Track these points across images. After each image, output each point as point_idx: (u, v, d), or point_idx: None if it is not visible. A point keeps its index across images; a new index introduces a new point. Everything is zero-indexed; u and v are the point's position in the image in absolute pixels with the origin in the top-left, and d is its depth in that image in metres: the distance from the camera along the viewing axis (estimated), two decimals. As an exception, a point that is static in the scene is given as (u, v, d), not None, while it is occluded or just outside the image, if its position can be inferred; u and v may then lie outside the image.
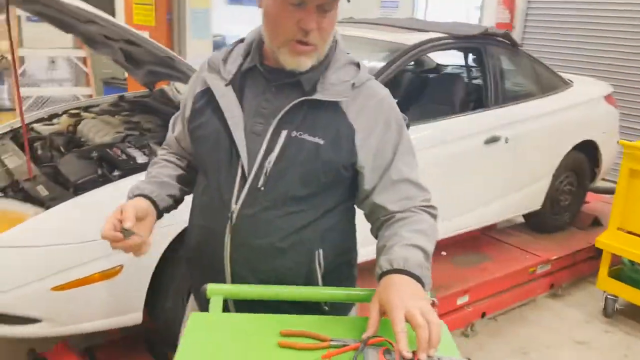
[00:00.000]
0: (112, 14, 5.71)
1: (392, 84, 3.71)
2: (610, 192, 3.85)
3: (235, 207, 1.15)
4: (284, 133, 1.14)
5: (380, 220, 1.21)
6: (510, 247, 3.67)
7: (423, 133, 2.81)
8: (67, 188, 2.12)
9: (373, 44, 3.04)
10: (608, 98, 3.95)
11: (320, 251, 1.20)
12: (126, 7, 5.31)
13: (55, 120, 3.10)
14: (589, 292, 3.53)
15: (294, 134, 1.13)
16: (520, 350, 2.93)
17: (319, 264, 1.20)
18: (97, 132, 2.64)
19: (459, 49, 3.51)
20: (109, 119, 2.83)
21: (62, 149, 2.63)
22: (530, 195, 3.57)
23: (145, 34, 3.08)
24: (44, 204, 2.02)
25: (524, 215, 3.99)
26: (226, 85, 1.18)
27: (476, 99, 3.33)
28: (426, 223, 1.18)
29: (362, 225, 1.29)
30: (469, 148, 3.00)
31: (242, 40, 1.24)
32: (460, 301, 3.06)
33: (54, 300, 1.89)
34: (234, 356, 0.98)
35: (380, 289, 1.03)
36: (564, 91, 3.67)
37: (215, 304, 1.14)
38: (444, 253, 3.47)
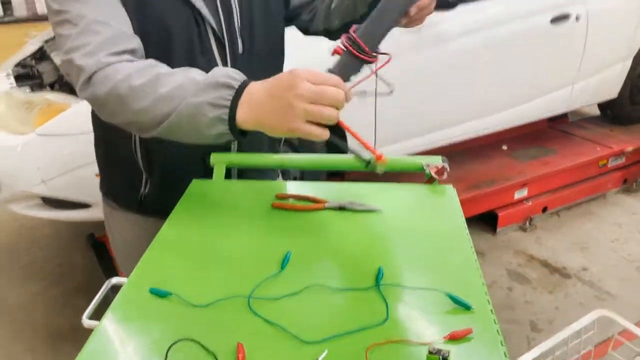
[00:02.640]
0: None
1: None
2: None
3: None
4: None
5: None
6: (581, 140, 3.42)
7: (480, 12, 2.57)
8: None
9: None
10: None
11: None
12: None
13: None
14: (668, 187, 3.28)
15: None
16: (579, 245, 2.79)
17: None
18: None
19: None
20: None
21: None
22: (605, 82, 3.24)
23: None
24: (85, 95, 2.06)
25: (599, 106, 3.67)
26: None
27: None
28: None
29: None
30: (532, 27, 2.71)
31: None
32: (518, 194, 2.93)
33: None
34: (225, 216, 0.96)
35: None
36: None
37: (218, 171, 1.11)
38: (504, 147, 3.29)
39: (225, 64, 1.03)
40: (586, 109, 3.74)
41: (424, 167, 1.06)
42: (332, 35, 1.12)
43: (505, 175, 2.92)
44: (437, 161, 1.08)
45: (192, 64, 0.94)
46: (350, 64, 0.81)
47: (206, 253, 0.85)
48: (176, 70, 0.85)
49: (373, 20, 0.82)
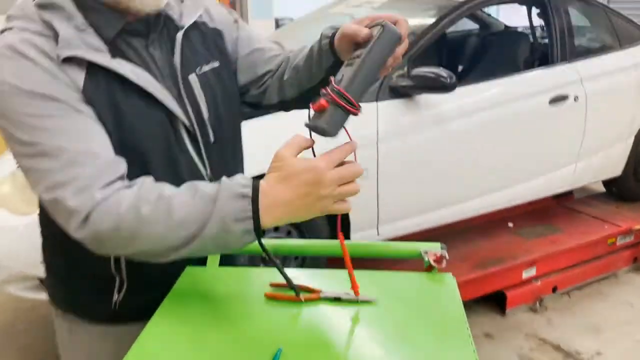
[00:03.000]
0: None
1: (450, 45, 3.53)
2: None
3: (208, 174, 1.02)
4: (192, 78, 1.00)
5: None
6: (587, 218, 3.37)
7: (479, 94, 2.63)
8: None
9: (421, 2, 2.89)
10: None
11: None
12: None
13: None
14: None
15: (198, 71, 1.01)
16: (592, 327, 2.68)
17: None
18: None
19: (518, 2, 3.24)
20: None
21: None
22: (608, 160, 3.25)
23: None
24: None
25: (604, 183, 3.66)
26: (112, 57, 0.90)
27: (541, 57, 3.07)
28: None
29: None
30: (532, 108, 2.76)
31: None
32: (526, 274, 2.86)
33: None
34: (215, 308, 0.93)
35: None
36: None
37: (212, 258, 1.10)
38: (510, 225, 3.25)
39: (199, 156, 1.00)
40: (592, 185, 3.73)
41: (423, 255, 1.04)
42: (287, 105, 1.12)
43: (512, 254, 2.87)
44: (436, 248, 1.06)
45: (170, 163, 0.95)
46: (339, 117, 0.81)
47: (194, 351, 0.81)
48: (181, 188, 0.82)
49: (357, 73, 0.83)
